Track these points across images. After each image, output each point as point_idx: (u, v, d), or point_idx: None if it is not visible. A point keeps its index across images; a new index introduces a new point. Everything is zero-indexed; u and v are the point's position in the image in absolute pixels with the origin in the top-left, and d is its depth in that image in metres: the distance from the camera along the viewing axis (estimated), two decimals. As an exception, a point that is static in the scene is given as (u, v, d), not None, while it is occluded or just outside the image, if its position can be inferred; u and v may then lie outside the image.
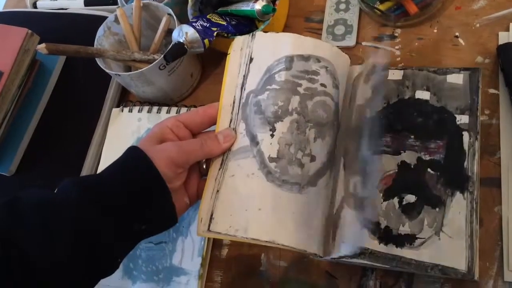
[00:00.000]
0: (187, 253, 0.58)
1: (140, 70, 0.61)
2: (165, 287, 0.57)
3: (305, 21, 0.69)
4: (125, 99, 0.73)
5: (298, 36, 0.50)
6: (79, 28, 0.75)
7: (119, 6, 0.67)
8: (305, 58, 0.48)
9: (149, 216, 0.43)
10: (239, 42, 0.52)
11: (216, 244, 0.59)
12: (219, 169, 0.47)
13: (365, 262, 0.49)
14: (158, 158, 0.43)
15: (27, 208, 0.39)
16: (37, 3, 0.84)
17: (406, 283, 0.51)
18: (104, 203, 0.40)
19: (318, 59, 0.49)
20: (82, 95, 0.72)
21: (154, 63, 0.60)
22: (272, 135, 0.46)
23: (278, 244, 0.44)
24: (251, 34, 0.51)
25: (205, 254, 0.57)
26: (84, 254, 0.39)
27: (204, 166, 0.49)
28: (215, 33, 0.59)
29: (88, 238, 0.39)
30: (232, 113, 0.49)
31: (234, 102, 0.49)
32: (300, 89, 0.47)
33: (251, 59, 0.50)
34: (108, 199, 0.41)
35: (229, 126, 0.48)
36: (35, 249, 0.38)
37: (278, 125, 0.46)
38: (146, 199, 0.42)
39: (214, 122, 0.49)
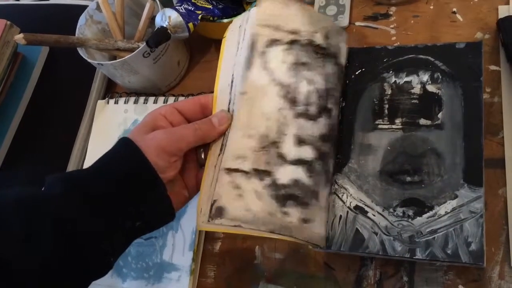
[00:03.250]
0: (178, 248, 0.55)
1: (123, 58, 0.58)
2: (156, 284, 0.54)
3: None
4: (111, 90, 0.71)
5: (301, 7, 0.47)
6: (63, 19, 0.72)
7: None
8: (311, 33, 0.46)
9: (142, 210, 0.40)
10: (237, 21, 0.48)
11: (208, 237, 0.57)
12: (219, 155, 0.43)
13: (365, 253, 0.46)
14: (148, 147, 0.40)
15: (7, 208, 0.37)
16: (19, -5, 0.81)
17: (407, 272, 0.48)
18: (88, 198, 0.38)
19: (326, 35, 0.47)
20: (66, 87, 0.70)
21: (137, 50, 0.58)
22: None
23: (284, 236, 0.41)
24: (250, 8, 0.48)
25: (196, 249, 0.54)
26: (67, 254, 0.37)
27: (203, 156, 0.45)
28: (200, 16, 0.56)
29: (72, 237, 0.37)
30: (230, 93, 0.45)
31: (232, 81, 0.46)
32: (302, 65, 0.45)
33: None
34: (92, 193, 0.38)
35: (228, 106, 0.45)
36: (15, 251, 0.35)
37: None
38: (137, 192, 0.39)
39: (209, 111, 0.46)
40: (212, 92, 0.47)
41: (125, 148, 0.41)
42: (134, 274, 0.56)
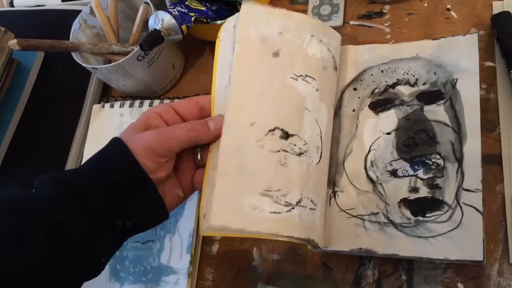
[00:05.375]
0: (175, 251, 0.55)
1: (118, 62, 0.58)
2: (154, 288, 0.54)
3: (289, 3, 0.66)
4: (106, 94, 0.71)
5: (291, 12, 0.46)
6: (57, 24, 0.72)
7: (94, -3, 0.64)
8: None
9: (132, 211, 0.40)
10: (231, 21, 0.47)
11: (206, 240, 0.56)
12: None
13: (363, 252, 0.46)
14: (137, 148, 0.39)
15: None
16: (14, 1, 0.81)
17: (406, 271, 0.48)
18: (78, 198, 0.37)
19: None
20: (62, 92, 0.70)
21: (131, 53, 0.58)
22: None
23: (293, 237, 0.41)
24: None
25: (194, 251, 0.54)
26: (59, 254, 0.36)
27: (199, 156, 0.45)
28: (193, 18, 0.56)
29: (62, 236, 0.36)
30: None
31: (230, 83, 0.44)
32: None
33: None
34: (83, 193, 0.38)
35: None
36: (7, 252, 0.35)
37: None
38: (126, 193, 0.39)
39: (207, 112, 0.45)
40: (209, 93, 0.47)
41: (115, 148, 0.40)
42: (132, 278, 0.55)
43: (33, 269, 0.35)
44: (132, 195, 0.39)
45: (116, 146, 0.40)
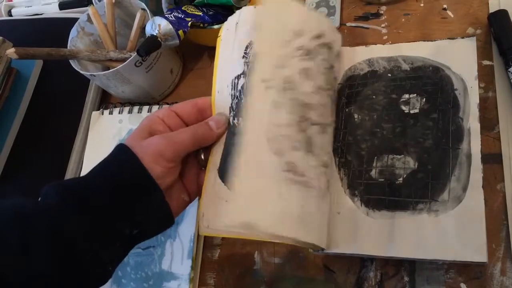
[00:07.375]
0: (177, 256, 0.55)
1: (115, 68, 0.58)
2: (156, 294, 0.54)
3: (286, 6, 0.66)
4: (105, 101, 0.71)
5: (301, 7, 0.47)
6: (56, 32, 0.72)
7: (91, 4, 0.64)
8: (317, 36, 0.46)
9: (139, 218, 0.39)
10: (233, 19, 0.47)
11: (207, 245, 0.56)
12: (221, 157, 0.43)
13: (364, 253, 0.46)
14: (145, 153, 0.39)
15: (3, 220, 0.36)
16: (12, 10, 0.82)
17: (408, 272, 0.47)
18: (83, 205, 0.37)
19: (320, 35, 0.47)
20: (61, 100, 0.70)
21: (129, 60, 0.58)
22: None
23: (289, 239, 0.41)
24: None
25: (195, 256, 0.54)
26: (67, 265, 0.36)
27: (203, 156, 0.44)
28: (190, 23, 0.56)
29: (70, 247, 0.36)
30: (231, 94, 0.45)
31: (232, 81, 0.45)
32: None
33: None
34: (88, 201, 0.37)
35: (231, 104, 0.44)
36: (13, 264, 0.35)
37: None
38: (133, 199, 0.39)
39: (206, 114, 0.45)
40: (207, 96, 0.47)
41: (121, 155, 0.40)
42: (133, 285, 0.55)
43: (40, 280, 0.35)
44: (139, 202, 0.39)
45: (122, 152, 0.40)
